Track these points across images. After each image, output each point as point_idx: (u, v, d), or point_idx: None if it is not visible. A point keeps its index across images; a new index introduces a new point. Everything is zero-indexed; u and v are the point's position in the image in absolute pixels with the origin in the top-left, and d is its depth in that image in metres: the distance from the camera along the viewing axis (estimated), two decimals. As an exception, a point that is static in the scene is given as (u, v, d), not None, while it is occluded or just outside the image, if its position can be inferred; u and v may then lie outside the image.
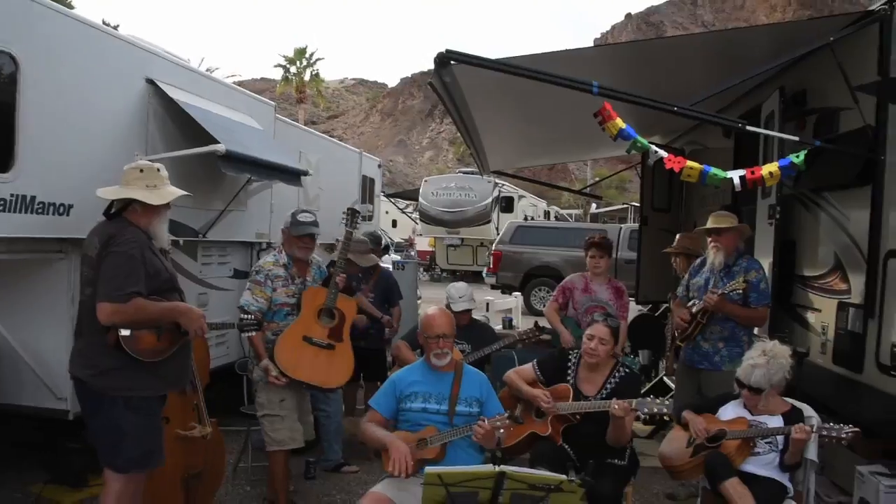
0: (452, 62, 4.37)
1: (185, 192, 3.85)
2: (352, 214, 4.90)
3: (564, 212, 34.45)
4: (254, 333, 4.48)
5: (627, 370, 4.34)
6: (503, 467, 2.91)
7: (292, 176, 6.22)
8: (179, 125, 5.27)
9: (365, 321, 6.14)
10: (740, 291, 4.77)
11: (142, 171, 3.68)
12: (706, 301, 4.81)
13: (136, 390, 3.55)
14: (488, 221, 22.92)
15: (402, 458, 3.55)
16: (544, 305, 13.85)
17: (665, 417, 4.01)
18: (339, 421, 5.79)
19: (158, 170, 3.72)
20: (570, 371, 4.39)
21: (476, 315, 6.03)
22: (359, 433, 3.89)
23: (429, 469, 2.95)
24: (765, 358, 4.00)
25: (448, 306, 5.47)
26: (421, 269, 21.87)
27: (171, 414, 4.19)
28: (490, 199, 22.87)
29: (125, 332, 3.46)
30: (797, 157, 4.39)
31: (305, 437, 4.84)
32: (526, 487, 2.97)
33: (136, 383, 3.54)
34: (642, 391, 3.95)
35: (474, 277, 20.78)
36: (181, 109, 5.13)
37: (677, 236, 6.77)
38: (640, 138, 4.29)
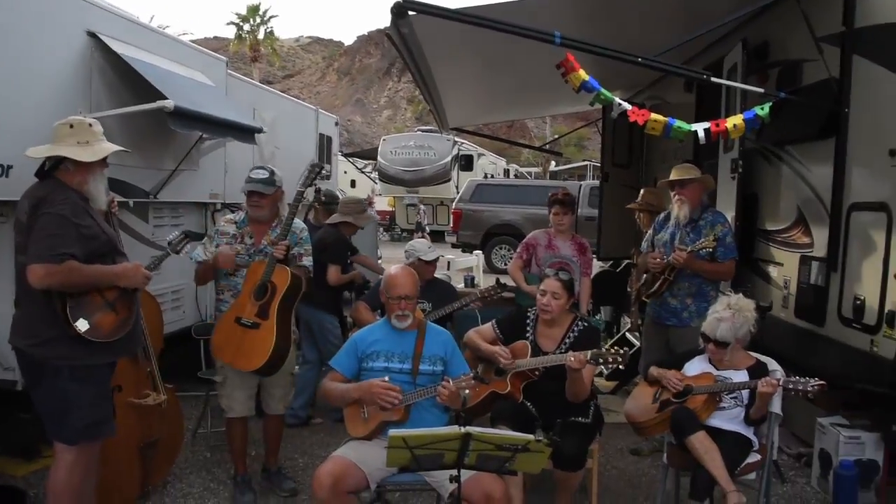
0: (410, 12, 4.22)
1: (121, 148, 3.61)
2: (311, 171, 4.51)
3: (524, 170, 34.38)
4: (187, 250, 4.19)
5: (586, 324, 4.29)
6: (469, 428, 2.84)
7: (246, 133, 6.01)
8: (125, 81, 5.03)
9: (362, 279, 6.18)
10: (710, 249, 4.72)
11: (72, 126, 3.44)
12: (674, 259, 4.75)
13: (80, 359, 3.37)
14: (448, 180, 22.78)
15: (385, 392, 3.53)
16: (505, 264, 13.85)
17: (620, 366, 3.98)
18: (313, 376, 5.86)
19: (91, 125, 3.49)
20: (528, 328, 4.33)
21: (437, 274, 5.94)
22: (322, 394, 3.80)
23: (392, 432, 2.86)
24: (730, 311, 3.98)
25: (417, 261, 5.37)
26: (381, 229, 21.71)
27: (123, 382, 4.07)
28: (449, 158, 22.69)
29: (83, 327, 3.28)
30: (762, 109, 4.35)
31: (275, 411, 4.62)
32: (492, 448, 2.91)
33: (81, 351, 3.35)
34: (605, 348, 3.90)
35: (434, 236, 20.69)
36: (126, 64, 4.88)
37: (641, 191, 6.72)
38: (603, 90, 4.20)
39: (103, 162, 3.51)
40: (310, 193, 5.62)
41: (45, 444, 4.51)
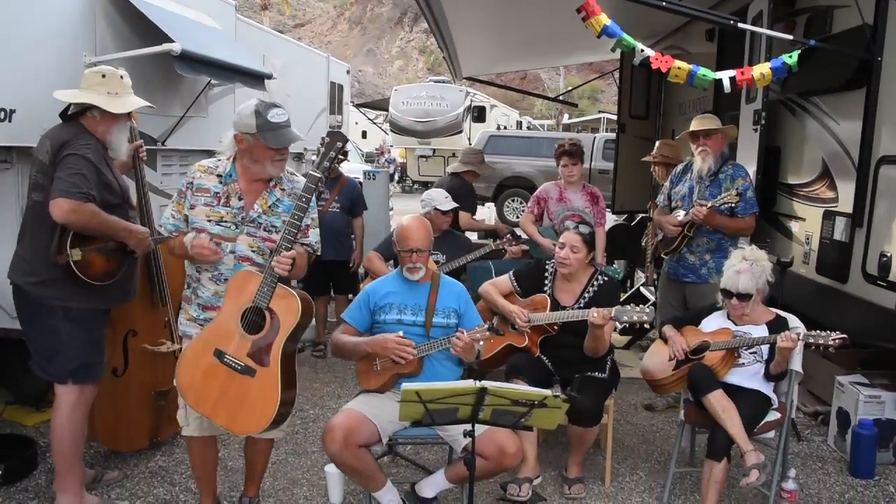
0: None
1: (149, 104, 3.67)
2: (330, 145, 3.09)
3: (537, 122, 34.01)
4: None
5: (606, 278, 4.21)
6: (485, 382, 2.76)
7: (255, 79, 5.87)
8: (131, 24, 4.89)
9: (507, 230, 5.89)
10: (732, 204, 4.57)
11: (104, 76, 3.50)
12: (694, 215, 4.60)
13: (75, 301, 3.43)
14: (460, 131, 22.50)
15: (397, 346, 3.41)
16: (517, 216, 13.80)
17: (646, 325, 3.89)
18: None
19: (122, 77, 3.55)
20: (546, 281, 4.26)
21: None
22: (333, 347, 3.72)
23: (406, 385, 2.78)
24: (747, 263, 3.88)
25: (434, 210, 5.27)
26: (392, 181, 21.57)
27: (138, 327, 4.07)
28: (462, 109, 22.39)
29: (76, 256, 3.31)
30: (790, 57, 4.18)
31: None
32: (508, 403, 2.84)
33: (77, 295, 3.42)
34: (629, 305, 3.81)
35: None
36: (132, 6, 4.74)
37: (657, 143, 6.57)
38: (625, 35, 4.04)
39: (128, 114, 3.58)
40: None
41: (54, 394, 4.49)
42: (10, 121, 3.98)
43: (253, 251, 3.21)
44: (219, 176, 3.21)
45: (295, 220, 3.05)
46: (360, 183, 7.31)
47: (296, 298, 3.07)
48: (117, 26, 4.84)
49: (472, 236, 7.47)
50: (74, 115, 3.47)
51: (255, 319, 3.05)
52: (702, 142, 4.75)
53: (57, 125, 3.47)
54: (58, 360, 3.46)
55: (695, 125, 4.80)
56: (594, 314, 3.72)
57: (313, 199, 3.15)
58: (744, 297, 3.84)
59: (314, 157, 3.36)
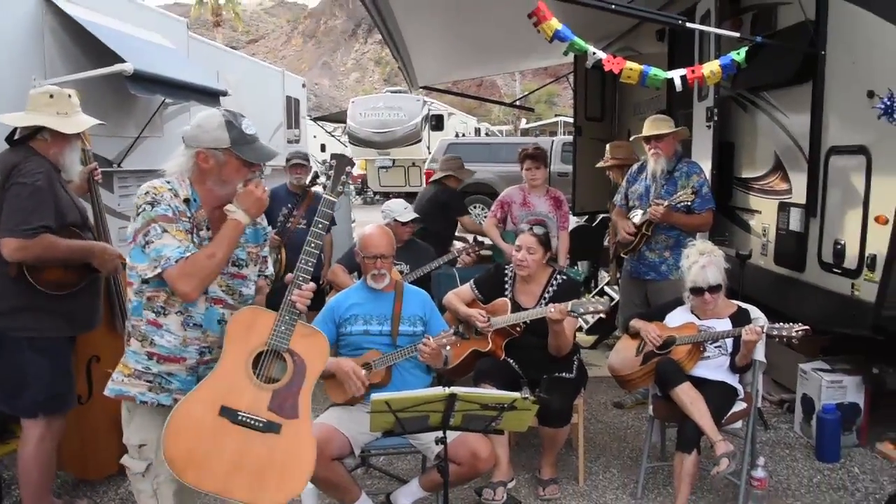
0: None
1: (100, 122, 3.62)
2: (339, 168, 2.83)
3: (495, 128, 34.19)
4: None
5: (565, 277, 4.24)
6: (454, 388, 2.77)
7: (210, 97, 5.85)
8: (81, 45, 4.84)
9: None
10: (689, 202, 4.65)
11: (52, 96, 3.41)
12: (652, 214, 4.67)
13: (41, 331, 3.34)
14: (419, 141, 22.51)
15: (354, 378, 3.38)
16: (480, 223, 13.79)
17: (602, 315, 3.94)
18: None
19: (70, 96, 3.47)
20: (507, 285, 4.27)
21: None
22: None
23: (375, 396, 2.78)
24: (707, 257, 3.95)
25: (393, 221, 5.24)
26: (353, 193, 21.44)
27: (101, 352, 3.97)
28: (420, 118, 22.42)
29: None
30: (738, 54, 4.27)
31: None
32: (478, 408, 2.85)
33: (41, 323, 3.33)
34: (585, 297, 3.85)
35: (409, 198, 20.49)
36: (81, 27, 4.70)
37: (607, 147, 6.62)
38: (577, 39, 4.09)
39: (78, 134, 3.49)
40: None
41: (17, 425, 4.40)
42: (-41, 147, 3.91)
43: (223, 291, 2.69)
44: (185, 200, 2.61)
45: (312, 249, 2.69)
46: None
47: (322, 336, 2.75)
48: (67, 48, 4.79)
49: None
50: (23, 139, 3.37)
51: (277, 367, 2.61)
52: (653, 144, 4.82)
53: (5, 150, 3.38)
54: (27, 395, 3.35)
55: (646, 129, 4.87)
56: (551, 310, 3.75)
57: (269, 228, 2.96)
58: (715, 288, 3.91)
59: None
